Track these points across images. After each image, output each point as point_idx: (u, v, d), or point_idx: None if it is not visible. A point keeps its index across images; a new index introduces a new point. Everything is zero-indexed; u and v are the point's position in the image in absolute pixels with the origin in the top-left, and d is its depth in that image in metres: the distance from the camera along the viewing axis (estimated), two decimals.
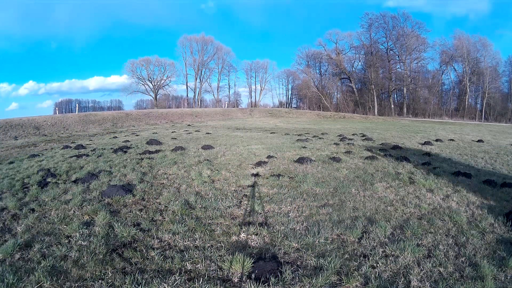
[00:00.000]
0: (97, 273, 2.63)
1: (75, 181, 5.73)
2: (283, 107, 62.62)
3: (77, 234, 3.40)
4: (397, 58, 55.84)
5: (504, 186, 5.41)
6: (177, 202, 4.51)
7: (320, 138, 14.11)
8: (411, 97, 54.44)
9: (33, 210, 4.23)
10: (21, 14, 70.94)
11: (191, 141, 12.72)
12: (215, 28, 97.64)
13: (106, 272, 2.64)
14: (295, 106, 67.51)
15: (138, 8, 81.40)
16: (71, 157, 8.66)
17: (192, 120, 35.16)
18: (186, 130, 19.99)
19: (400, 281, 2.52)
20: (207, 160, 7.82)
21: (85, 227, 3.60)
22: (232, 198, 4.75)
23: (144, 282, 2.48)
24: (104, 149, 10.37)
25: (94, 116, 29.98)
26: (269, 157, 8.26)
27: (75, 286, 2.43)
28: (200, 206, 4.41)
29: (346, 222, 3.76)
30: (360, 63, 60.73)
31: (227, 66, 65.53)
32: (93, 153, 9.29)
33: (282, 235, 3.38)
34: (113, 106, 65.72)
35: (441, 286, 2.44)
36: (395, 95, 57.75)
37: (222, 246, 3.17)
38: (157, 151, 9.35)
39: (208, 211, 4.19)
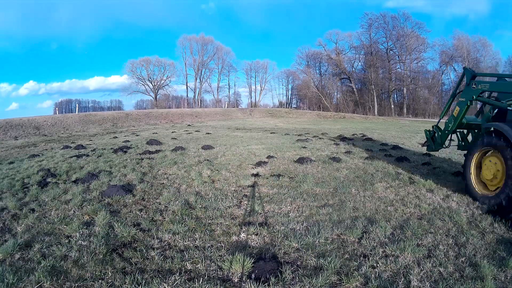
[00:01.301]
0: (97, 273, 2.62)
1: (75, 181, 5.73)
2: (283, 107, 62.59)
3: (77, 234, 3.40)
4: (397, 58, 55.92)
5: None
6: (177, 202, 4.51)
7: (320, 138, 14.11)
8: (411, 97, 54.46)
9: (33, 210, 4.23)
10: (22, 14, 71.13)
11: (191, 141, 12.73)
12: (216, 28, 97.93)
13: (106, 272, 2.63)
14: (295, 106, 67.53)
15: (139, 8, 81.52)
16: (71, 157, 8.66)
17: (192, 120, 35.16)
18: (186, 130, 20.00)
19: (400, 281, 2.52)
20: (207, 160, 7.82)
21: (85, 227, 3.60)
22: (232, 198, 4.75)
23: (144, 282, 2.48)
24: (104, 149, 10.37)
25: (94, 116, 29.98)
26: (269, 157, 8.26)
27: (75, 286, 2.43)
28: (200, 206, 4.40)
29: (346, 222, 3.76)
30: (360, 63, 60.80)
31: (227, 66, 65.67)
32: (93, 153, 9.29)
33: (282, 235, 3.38)
34: (113, 106, 65.76)
35: (441, 286, 2.43)
36: (395, 95, 57.82)
37: (222, 246, 3.17)
38: (157, 151, 9.35)
39: (208, 211, 4.19)
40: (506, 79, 5.55)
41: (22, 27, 76.30)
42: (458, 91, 6.22)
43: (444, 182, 5.72)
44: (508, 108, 4.82)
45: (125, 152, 9.47)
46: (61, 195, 4.87)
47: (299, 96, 67.26)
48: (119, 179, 5.87)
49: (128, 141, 13.11)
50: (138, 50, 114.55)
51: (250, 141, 12.49)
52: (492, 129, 4.60)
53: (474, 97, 5.49)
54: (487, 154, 4.78)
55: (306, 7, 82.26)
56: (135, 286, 2.43)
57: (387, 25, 55.19)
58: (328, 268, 2.68)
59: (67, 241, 3.25)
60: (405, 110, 53.51)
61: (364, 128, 22.50)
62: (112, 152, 9.52)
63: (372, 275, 2.59)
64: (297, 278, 2.57)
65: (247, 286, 2.45)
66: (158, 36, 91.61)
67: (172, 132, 19.01)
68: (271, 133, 17.41)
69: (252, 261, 2.75)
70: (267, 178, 5.94)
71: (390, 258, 2.89)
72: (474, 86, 5.58)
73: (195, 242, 3.26)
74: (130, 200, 4.64)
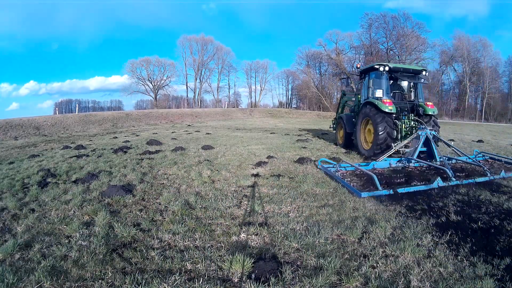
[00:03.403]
0: (97, 273, 2.62)
1: (75, 181, 5.73)
2: (283, 107, 62.57)
3: (77, 234, 3.40)
4: (397, 58, 55.82)
5: None
6: (177, 202, 4.51)
7: (320, 138, 14.11)
8: None
9: (33, 210, 4.23)
10: (24, 15, 71.19)
11: (191, 141, 12.73)
12: (216, 28, 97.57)
13: (106, 272, 2.63)
14: (295, 106, 67.47)
15: (140, 9, 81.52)
16: (71, 157, 8.66)
17: (192, 120, 35.16)
18: (186, 130, 20.00)
19: (400, 281, 2.52)
20: (207, 160, 7.82)
21: (85, 227, 3.60)
22: (232, 198, 4.74)
23: (144, 282, 2.48)
24: (104, 149, 10.38)
25: (94, 116, 29.98)
26: (269, 157, 8.26)
27: (75, 286, 2.43)
28: (200, 206, 4.40)
29: (346, 222, 3.76)
30: (360, 63, 60.71)
31: (227, 66, 65.57)
32: (93, 154, 9.30)
33: (282, 235, 3.38)
34: (113, 106, 65.72)
35: (441, 286, 2.44)
36: None
37: (222, 246, 3.17)
38: (157, 151, 9.35)
39: (208, 211, 4.19)
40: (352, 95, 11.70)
41: (23, 27, 76.28)
42: (340, 101, 12.96)
43: None
44: (353, 107, 10.49)
45: (125, 152, 9.47)
46: (61, 195, 4.87)
47: (299, 96, 67.21)
48: (119, 179, 5.87)
49: (128, 141, 13.11)
50: (139, 50, 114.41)
51: (250, 141, 12.49)
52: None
53: (343, 103, 12.31)
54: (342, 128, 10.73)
55: (306, 7, 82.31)
56: (135, 286, 2.43)
57: (387, 25, 55.08)
58: (328, 268, 2.68)
59: (67, 241, 3.25)
60: None
61: None
62: (112, 152, 9.52)
63: (372, 275, 2.59)
64: (297, 278, 2.57)
65: (247, 286, 2.45)
66: (158, 36, 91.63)
67: (172, 132, 19.01)
68: (271, 133, 17.41)
69: (252, 261, 2.76)
70: (267, 178, 5.94)
71: (390, 258, 2.89)
72: (343, 98, 12.51)
73: (195, 242, 3.26)
74: (130, 200, 4.64)
